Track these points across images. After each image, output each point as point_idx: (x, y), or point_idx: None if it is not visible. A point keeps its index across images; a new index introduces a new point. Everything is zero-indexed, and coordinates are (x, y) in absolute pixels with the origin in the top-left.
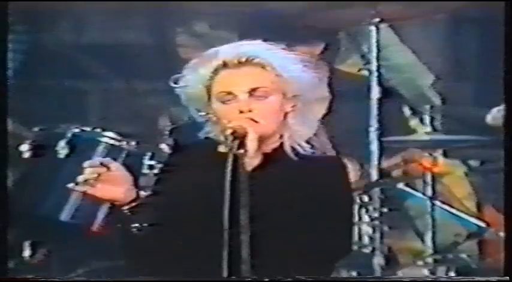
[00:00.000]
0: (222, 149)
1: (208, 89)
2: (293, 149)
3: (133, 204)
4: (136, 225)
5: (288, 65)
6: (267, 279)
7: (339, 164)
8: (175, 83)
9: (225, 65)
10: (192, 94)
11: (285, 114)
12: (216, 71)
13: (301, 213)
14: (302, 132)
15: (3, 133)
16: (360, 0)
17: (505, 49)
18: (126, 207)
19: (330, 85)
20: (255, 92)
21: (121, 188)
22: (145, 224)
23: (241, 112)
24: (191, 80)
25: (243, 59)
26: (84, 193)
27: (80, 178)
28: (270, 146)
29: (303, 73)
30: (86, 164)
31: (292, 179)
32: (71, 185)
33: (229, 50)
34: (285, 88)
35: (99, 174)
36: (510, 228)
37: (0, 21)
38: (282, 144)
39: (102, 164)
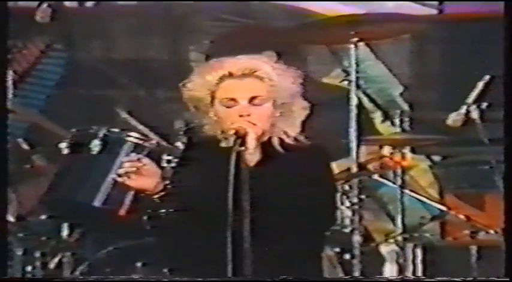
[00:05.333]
0: (223, 144)
1: (212, 94)
2: (280, 140)
3: (162, 193)
4: (163, 210)
5: (280, 76)
6: (268, 279)
7: (321, 150)
8: (184, 86)
9: (230, 74)
10: (197, 96)
11: (274, 119)
12: (221, 79)
13: (293, 197)
14: (288, 132)
15: (3, 133)
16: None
17: (504, 50)
18: (156, 196)
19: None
20: (254, 100)
21: (152, 180)
22: (171, 210)
23: (241, 116)
24: (198, 84)
25: (247, 71)
26: (122, 183)
27: (120, 171)
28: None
29: (291, 84)
30: (125, 159)
31: (282, 168)
32: (113, 176)
33: (234, 62)
34: (276, 96)
35: (136, 168)
36: (510, 229)
37: (1, 25)
38: (269, 138)
39: (138, 160)
